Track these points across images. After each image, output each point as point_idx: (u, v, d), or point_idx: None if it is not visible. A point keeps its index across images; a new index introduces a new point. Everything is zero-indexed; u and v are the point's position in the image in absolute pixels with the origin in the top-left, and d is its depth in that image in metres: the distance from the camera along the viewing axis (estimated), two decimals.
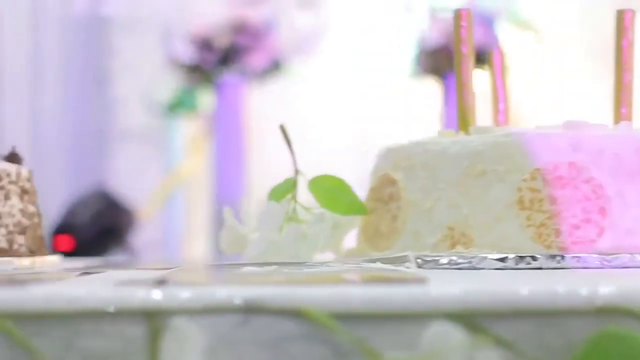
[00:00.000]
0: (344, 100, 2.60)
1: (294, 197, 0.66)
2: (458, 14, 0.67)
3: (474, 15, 2.11)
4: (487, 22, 2.22)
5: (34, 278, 0.51)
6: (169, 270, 0.55)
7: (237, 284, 0.41)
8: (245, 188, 2.30)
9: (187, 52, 2.22)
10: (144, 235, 2.43)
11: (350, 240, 0.72)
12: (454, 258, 0.60)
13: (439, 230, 0.62)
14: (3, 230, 0.69)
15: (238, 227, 0.69)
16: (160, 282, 0.42)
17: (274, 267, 0.55)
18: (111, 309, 0.40)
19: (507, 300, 0.40)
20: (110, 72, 2.71)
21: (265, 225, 0.64)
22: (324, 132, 2.42)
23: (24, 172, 0.73)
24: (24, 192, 0.73)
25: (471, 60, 0.68)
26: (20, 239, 0.71)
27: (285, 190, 0.66)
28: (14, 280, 0.48)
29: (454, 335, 0.39)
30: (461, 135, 0.66)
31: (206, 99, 2.49)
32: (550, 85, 2.69)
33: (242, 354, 0.40)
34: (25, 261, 0.69)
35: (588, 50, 2.80)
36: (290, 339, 0.40)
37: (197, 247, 2.55)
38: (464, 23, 0.67)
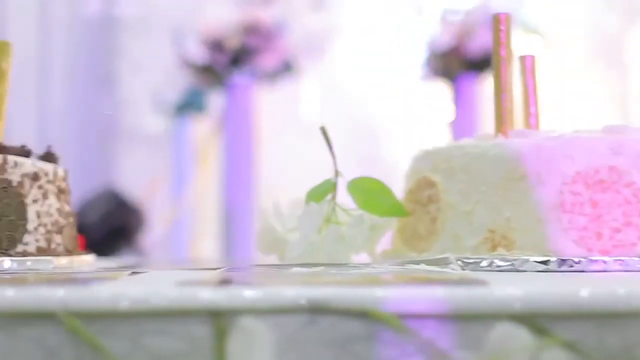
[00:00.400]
0: (354, 101, 2.61)
1: (334, 199, 0.66)
2: (497, 18, 0.68)
3: (485, 19, 2.11)
4: None
5: (91, 277, 0.51)
6: (218, 270, 0.55)
7: (303, 284, 0.41)
8: (254, 189, 2.30)
9: (198, 53, 2.22)
10: (151, 235, 2.43)
11: (382, 241, 0.72)
12: (495, 260, 0.60)
13: (480, 232, 0.63)
14: (42, 230, 0.69)
15: (276, 228, 0.70)
16: (225, 282, 0.42)
17: (321, 268, 0.56)
18: (177, 308, 0.41)
19: (568, 302, 0.41)
20: (118, 73, 2.71)
21: (305, 226, 0.65)
22: (333, 133, 2.41)
23: (60, 171, 0.73)
24: (60, 191, 0.73)
25: (510, 63, 0.68)
26: (57, 238, 0.71)
27: (324, 191, 0.67)
28: (71, 280, 0.49)
29: (520, 336, 0.39)
30: (500, 138, 0.66)
31: (215, 99, 2.49)
32: (553, 87, 2.70)
33: (308, 354, 0.40)
34: (63, 260, 0.69)
35: (591, 52, 2.81)
36: (356, 339, 0.40)
37: (205, 247, 2.55)
38: (502, 27, 0.68)
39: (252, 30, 2.19)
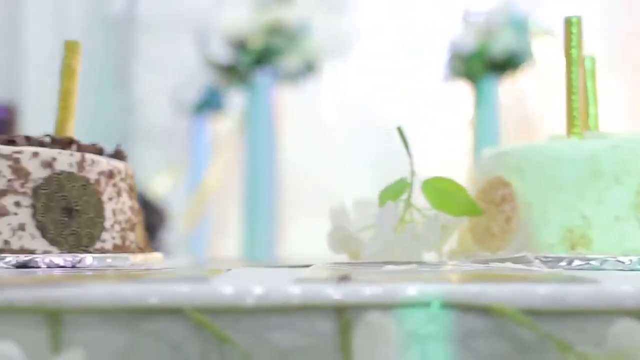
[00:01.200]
0: (375, 103, 2.62)
1: (409, 198, 0.67)
2: (569, 21, 0.69)
3: (507, 20, 2.10)
4: (520, 27, 2.23)
5: (194, 274, 0.52)
6: (310, 267, 0.56)
7: (422, 281, 0.42)
8: (275, 188, 2.31)
9: (221, 53, 2.23)
10: (172, 233, 2.44)
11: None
12: (573, 259, 0.61)
13: (557, 231, 0.63)
14: (117, 227, 0.70)
15: (347, 227, 0.70)
16: (345, 279, 0.43)
17: (412, 265, 0.57)
18: (302, 304, 0.41)
19: None
20: (137, 73, 2.72)
21: (382, 225, 0.66)
22: (353, 133, 2.43)
23: (130, 169, 0.74)
24: (131, 189, 0.74)
25: (580, 65, 0.69)
26: (131, 236, 0.72)
27: (398, 190, 0.68)
28: (183, 277, 0.50)
29: None
30: (574, 139, 0.67)
31: (234, 99, 2.50)
32: (558, 88, 2.71)
33: (431, 349, 0.41)
34: (138, 257, 0.70)
35: (607, 53, 2.82)
36: (477, 334, 0.41)
37: (226, 245, 2.56)
38: (574, 30, 0.69)
39: (276, 30, 2.20)
